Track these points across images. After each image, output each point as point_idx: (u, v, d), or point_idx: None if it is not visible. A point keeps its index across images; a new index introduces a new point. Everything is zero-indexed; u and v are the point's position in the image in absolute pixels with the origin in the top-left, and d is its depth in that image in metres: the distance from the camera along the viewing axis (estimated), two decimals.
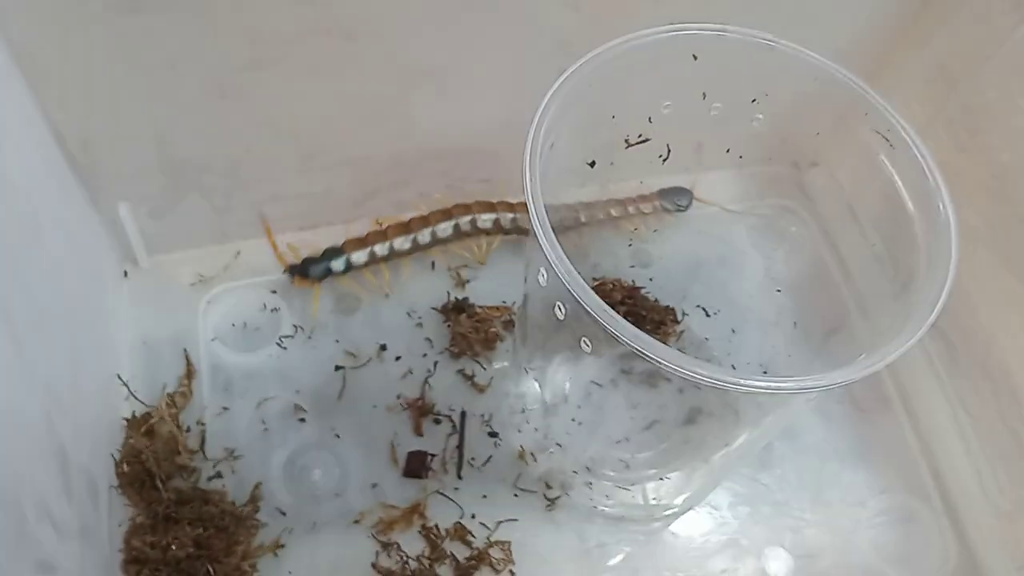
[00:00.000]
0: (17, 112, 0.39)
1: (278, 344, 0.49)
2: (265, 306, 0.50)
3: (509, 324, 0.51)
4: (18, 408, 0.33)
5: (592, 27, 0.43)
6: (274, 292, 0.51)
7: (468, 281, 0.52)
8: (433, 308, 0.51)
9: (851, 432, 0.49)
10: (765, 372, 0.49)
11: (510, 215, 0.51)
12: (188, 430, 0.46)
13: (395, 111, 0.47)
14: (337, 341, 0.50)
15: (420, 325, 0.50)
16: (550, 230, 0.29)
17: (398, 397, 0.48)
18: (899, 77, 0.51)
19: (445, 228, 0.50)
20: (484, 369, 0.50)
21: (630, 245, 0.50)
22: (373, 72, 0.44)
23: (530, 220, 0.30)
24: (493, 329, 0.50)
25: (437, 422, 0.48)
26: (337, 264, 0.50)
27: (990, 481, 0.46)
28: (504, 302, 0.51)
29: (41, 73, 0.39)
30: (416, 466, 0.46)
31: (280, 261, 0.50)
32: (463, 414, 0.48)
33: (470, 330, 0.50)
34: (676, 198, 0.51)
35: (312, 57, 0.42)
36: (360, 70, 0.44)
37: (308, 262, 0.50)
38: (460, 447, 0.47)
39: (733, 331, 0.51)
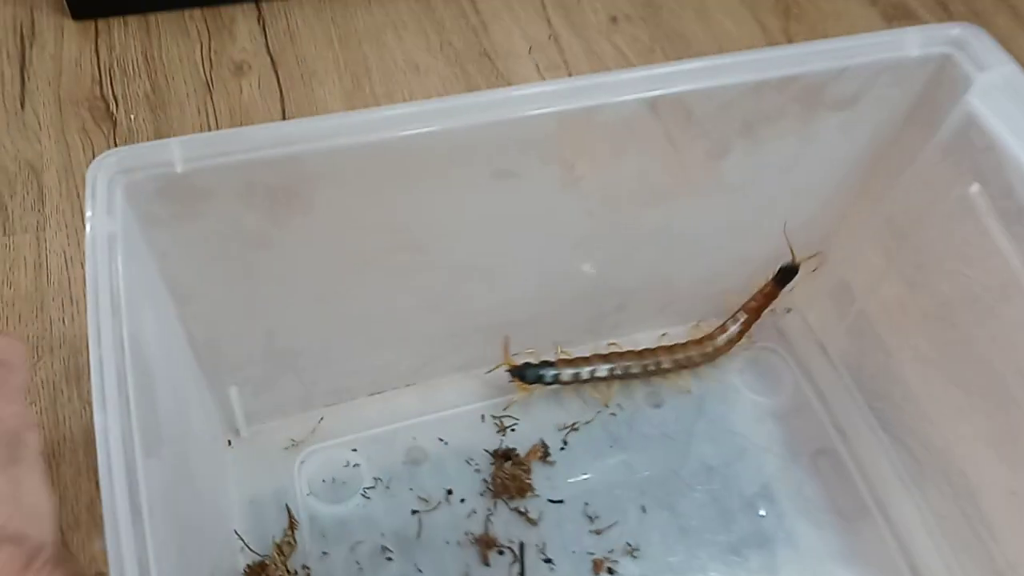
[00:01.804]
0: (167, 326, 0.50)
1: (362, 494, 0.59)
2: (348, 463, 0.60)
3: (546, 456, 0.61)
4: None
5: (603, 228, 0.56)
6: (354, 450, 0.61)
7: (509, 428, 0.63)
8: (485, 450, 0.61)
9: (838, 538, 0.59)
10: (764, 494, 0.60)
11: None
12: (296, 574, 0.55)
13: (451, 298, 0.58)
14: (411, 489, 0.59)
15: (478, 471, 0.61)
16: None
17: (466, 533, 0.58)
18: (858, 229, 0.62)
19: (633, 366, 0.62)
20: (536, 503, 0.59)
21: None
22: (436, 272, 0.56)
23: None
24: (528, 480, 0.59)
25: (501, 553, 0.57)
26: (547, 374, 0.62)
27: (957, 571, 0.56)
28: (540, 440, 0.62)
29: (185, 294, 0.51)
30: None
31: (507, 362, 0.62)
32: (521, 545, 0.58)
33: (507, 478, 0.59)
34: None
35: (390, 266, 0.54)
36: (426, 272, 0.55)
37: (527, 366, 0.62)
38: (521, 573, 0.56)
39: (737, 457, 0.61)
